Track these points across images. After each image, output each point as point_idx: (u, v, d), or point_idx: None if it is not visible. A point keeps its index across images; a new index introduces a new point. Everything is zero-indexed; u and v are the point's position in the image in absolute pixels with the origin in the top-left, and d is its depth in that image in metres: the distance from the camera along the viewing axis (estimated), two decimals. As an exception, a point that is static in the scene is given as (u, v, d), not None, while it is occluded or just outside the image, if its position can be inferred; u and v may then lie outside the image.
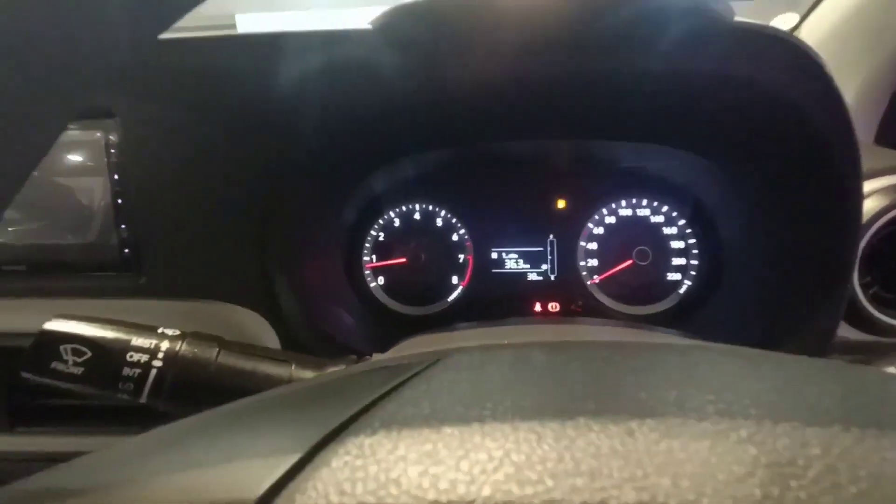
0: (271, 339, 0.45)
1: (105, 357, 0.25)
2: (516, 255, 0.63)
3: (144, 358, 0.26)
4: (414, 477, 0.10)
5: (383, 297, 0.63)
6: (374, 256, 0.64)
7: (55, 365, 0.24)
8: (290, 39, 0.40)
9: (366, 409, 0.13)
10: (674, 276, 0.59)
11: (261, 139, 0.43)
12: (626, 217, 0.60)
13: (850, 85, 0.59)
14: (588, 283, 0.61)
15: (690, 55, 0.38)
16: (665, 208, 0.59)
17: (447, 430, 0.12)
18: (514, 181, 0.62)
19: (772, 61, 0.38)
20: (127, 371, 0.25)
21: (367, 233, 0.63)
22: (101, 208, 0.46)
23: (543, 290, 0.62)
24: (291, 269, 0.48)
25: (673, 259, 0.59)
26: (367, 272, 0.64)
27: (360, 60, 0.40)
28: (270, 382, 0.28)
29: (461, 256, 0.63)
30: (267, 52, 0.40)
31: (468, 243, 0.63)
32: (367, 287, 0.63)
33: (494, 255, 0.63)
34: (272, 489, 0.10)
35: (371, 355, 0.34)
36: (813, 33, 0.63)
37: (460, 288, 0.63)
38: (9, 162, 0.15)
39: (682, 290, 0.59)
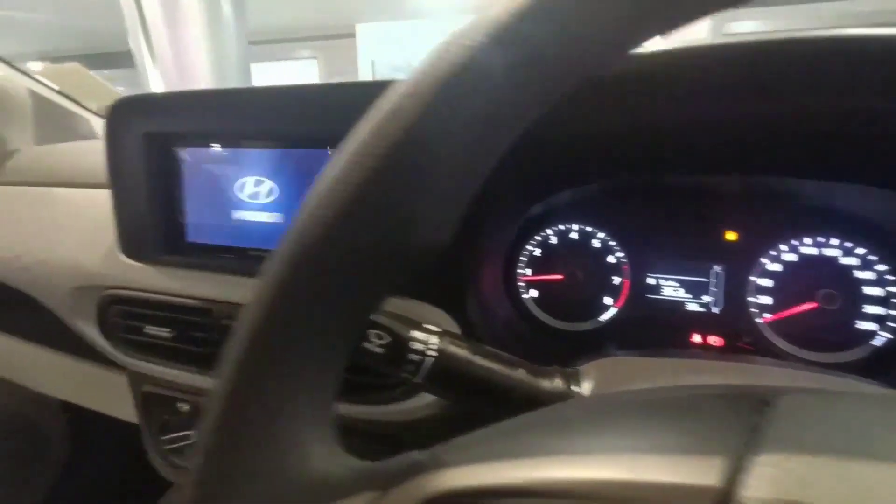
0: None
1: (398, 342, 0.32)
2: (676, 284, 0.62)
3: (421, 347, 0.32)
4: (835, 486, 0.13)
5: (535, 310, 0.67)
6: (529, 270, 0.67)
7: (365, 345, 0.31)
8: None
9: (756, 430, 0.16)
10: (867, 326, 0.54)
11: None
12: (810, 256, 0.57)
13: None
14: (758, 320, 0.58)
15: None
16: (860, 250, 0.55)
17: (829, 461, 0.14)
18: (679, 209, 0.62)
19: None
20: (410, 356, 0.32)
21: (523, 247, 0.68)
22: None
23: (704, 322, 0.61)
24: (475, 279, 0.53)
25: (867, 307, 0.54)
26: (520, 284, 0.68)
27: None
28: (507, 382, 0.33)
29: (616, 279, 0.64)
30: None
31: (625, 267, 0.64)
32: (520, 298, 0.67)
33: (651, 281, 0.63)
34: (731, 480, 0.13)
35: (576, 368, 0.37)
36: None
37: (614, 309, 0.64)
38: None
39: (876, 341, 0.54)
